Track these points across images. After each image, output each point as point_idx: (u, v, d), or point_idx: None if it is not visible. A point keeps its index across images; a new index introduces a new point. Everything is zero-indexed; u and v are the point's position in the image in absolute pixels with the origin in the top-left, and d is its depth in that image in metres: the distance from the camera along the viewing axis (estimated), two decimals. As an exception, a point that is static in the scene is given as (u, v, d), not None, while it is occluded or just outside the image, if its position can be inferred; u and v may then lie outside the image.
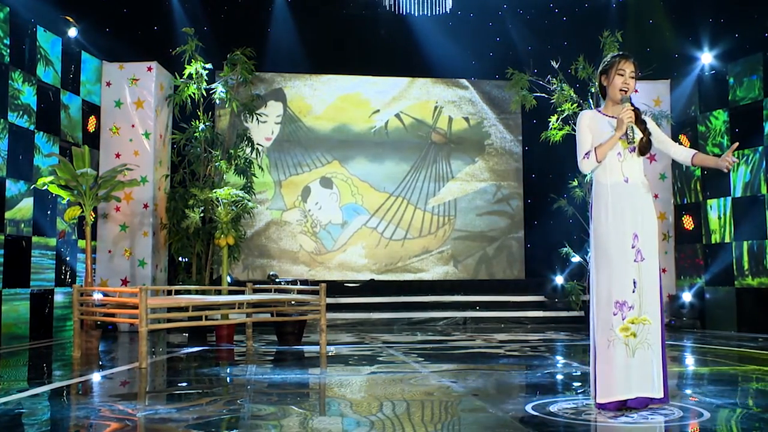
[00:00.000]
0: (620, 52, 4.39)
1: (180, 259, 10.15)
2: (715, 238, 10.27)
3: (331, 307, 11.13)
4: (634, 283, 4.18)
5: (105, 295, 7.55)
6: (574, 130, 5.86)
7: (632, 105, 4.29)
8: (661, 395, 4.18)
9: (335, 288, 11.64)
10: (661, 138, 4.42)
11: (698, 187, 10.57)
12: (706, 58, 10.61)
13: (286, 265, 11.96)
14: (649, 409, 4.18)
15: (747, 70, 9.92)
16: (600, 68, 4.40)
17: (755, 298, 9.70)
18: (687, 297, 10.44)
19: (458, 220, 12.49)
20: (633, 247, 4.22)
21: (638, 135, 4.31)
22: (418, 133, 12.56)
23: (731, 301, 10.02)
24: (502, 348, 7.94)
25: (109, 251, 9.87)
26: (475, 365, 6.52)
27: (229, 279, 10.63)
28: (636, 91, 10.88)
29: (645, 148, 4.36)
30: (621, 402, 4.11)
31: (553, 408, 4.30)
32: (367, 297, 11.51)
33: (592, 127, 4.31)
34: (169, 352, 7.72)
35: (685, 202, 10.79)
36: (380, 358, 7.04)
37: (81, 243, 9.41)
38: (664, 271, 10.82)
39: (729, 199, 10.06)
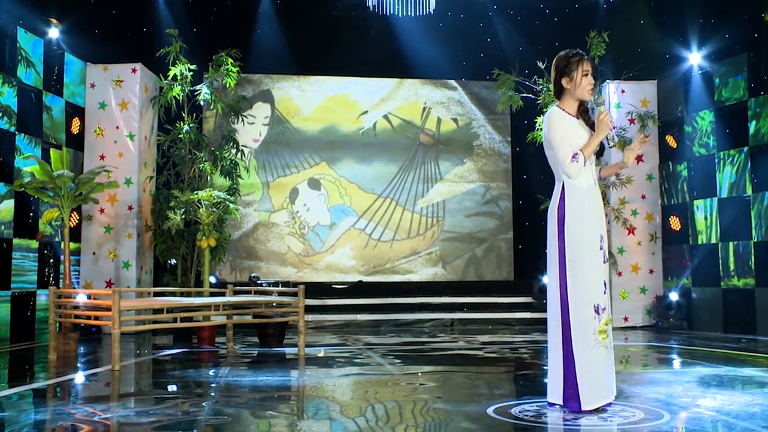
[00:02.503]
0: (575, 51, 4.29)
1: (169, 261, 10.15)
2: (702, 238, 10.23)
3: (318, 309, 11.18)
4: (605, 284, 4.16)
5: (89, 297, 7.53)
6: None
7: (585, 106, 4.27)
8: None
9: (323, 289, 11.65)
10: None
11: (685, 188, 10.52)
12: (694, 58, 10.56)
13: (274, 267, 11.94)
14: (609, 411, 4.16)
15: (732, 71, 9.87)
16: (559, 70, 4.31)
17: (741, 298, 9.66)
18: (674, 298, 10.39)
19: (447, 222, 12.46)
20: (601, 249, 4.20)
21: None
22: (407, 134, 12.53)
23: (717, 301, 9.97)
24: (482, 350, 7.91)
25: (94, 253, 9.85)
26: (450, 367, 6.50)
27: (214, 280, 10.65)
28: (623, 91, 10.92)
29: (602, 150, 4.36)
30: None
31: (514, 410, 4.27)
32: (355, 299, 11.47)
33: (567, 128, 4.22)
34: (148, 354, 7.70)
35: (672, 202, 10.74)
36: (357, 360, 7.01)
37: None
38: (651, 272, 10.79)
39: (715, 199, 10.01)
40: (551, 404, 4.22)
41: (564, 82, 4.28)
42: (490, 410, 4.28)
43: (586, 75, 4.21)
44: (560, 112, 4.25)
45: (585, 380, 4.04)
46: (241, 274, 11.81)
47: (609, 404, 4.18)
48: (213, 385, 5.41)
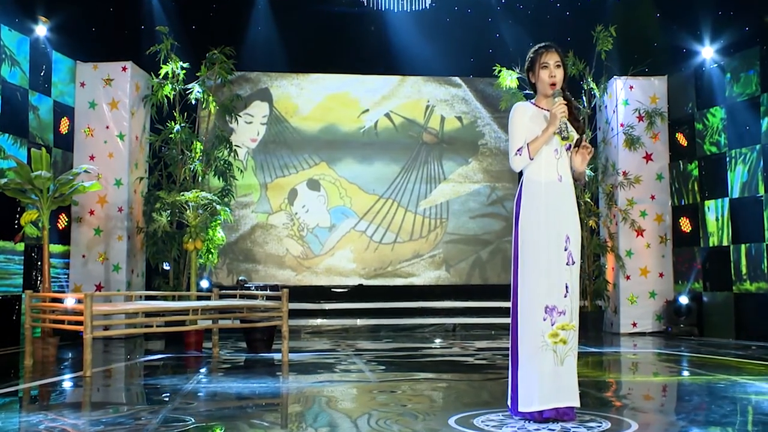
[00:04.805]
0: (539, 45, 4.25)
1: (161, 264, 10.16)
2: (713, 240, 10.05)
3: (317, 313, 11.17)
4: (567, 287, 4.08)
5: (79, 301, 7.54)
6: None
7: (566, 99, 4.18)
8: (578, 404, 4.08)
9: (322, 293, 11.63)
10: None
11: (696, 188, 10.35)
12: (706, 52, 10.38)
13: (272, 270, 11.92)
14: (577, 421, 4.07)
15: (744, 65, 9.69)
16: (526, 65, 4.30)
17: (754, 304, 9.46)
18: (684, 302, 10.21)
19: (450, 223, 12.36)
20: (566, 250, 4.13)
21: (573, 132, 4.20)
22: (409, 133, 12.45)
23: (729, 307, 9.78)
24: (474, 356, 7.83)
25: (83, 256, 9.88)
26: (431, 374, 6.43)
27: (207, 284, 10.66)
28: (631, 87, 10.77)
29: (579, 142, 4.26)
30: (540, 412, 4.00)
31: (477, 420, 4.20)
32: (355, 303, 11.42)
33: (526, 121, 4.19)
34: (130, 359, 7.71)
35: (683, 203, 10.57)
36: (339, 367, 6.96)
37: (53, 248, 9.41)
38: (660, 275, 10.62)
39: (727, 200, 9.83)
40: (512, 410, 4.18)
41: (530, 77, 4.27)
42: (452, 420, 4.21)
43: (545, 67, 4.15)
44: (523, 105, 4.24)
45: (525, 382, 4.01)
46: (237, 278, 11.78)
47: (568, 412, 4.07)
48: (179, 392, 5.38)
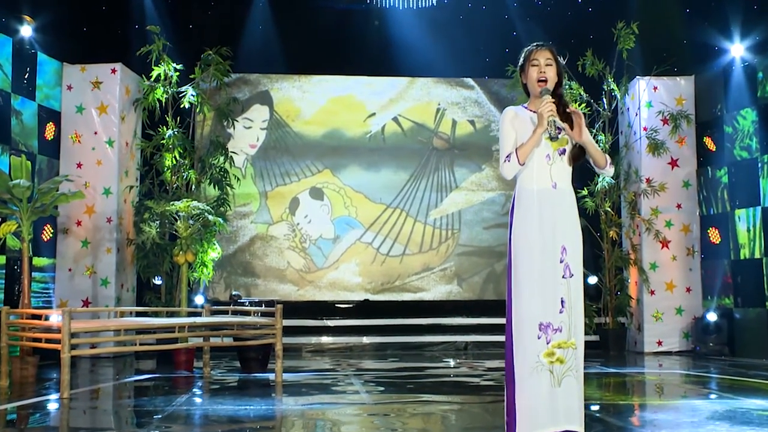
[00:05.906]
0: (533, 44, 4.20)
1: (153, 278, 10.15)
2: (744, 253, 9.90)
3: (320, 331, 11.13)
4: (562, 302, 3.98)
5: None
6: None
7: (554, 97, 4.09)
8: (582, 429, 3.97)
9: (325, 309, 11.57)
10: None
11: (725, 196, 10.21)
12: (737, 50, 10.26)
13: (272, 284, 11.88)
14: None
15: (777, 63, 9.57)
16: (518, 65, 4.24)
17: (788, 321, 9.32)
18: (713, 319, 10.05)
19: (463, 234, 12.29)
20: (561, 262, 4.03)
21: (564, 131, 4.11)
22: (418, 138, 12.41)
23: (762, 324, 9.62)
24: (482, 377, 7.74)
25: (70, 269, 9.87)
26: (432, 396, 6.35)
27: (203, 300, 10.62)
28: (655, 88, 10.66)
29: (578, 154, 4.16)
30: None
31: (471, 448, 4.11)
32: (361, 319, 11.38)
33: (516, 126, 4.13)
34: (116, 380, 7.68)
35: (712, 212, 10.43)
36: (334, 388, 6.90)
37: (38, 261, 9.43)
38: (688, 290, 10.48)
39: (759, 209, 9.68)
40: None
41: (523, 78, 4.21)
42: (443, 447, 4.13)
43: (535, 65, 4.08)
44: (512, 110, 4.19)
45: (522, 406, 3.91)
46: (230, 292, 11.76)
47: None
48: (160, 414, 5.33)
